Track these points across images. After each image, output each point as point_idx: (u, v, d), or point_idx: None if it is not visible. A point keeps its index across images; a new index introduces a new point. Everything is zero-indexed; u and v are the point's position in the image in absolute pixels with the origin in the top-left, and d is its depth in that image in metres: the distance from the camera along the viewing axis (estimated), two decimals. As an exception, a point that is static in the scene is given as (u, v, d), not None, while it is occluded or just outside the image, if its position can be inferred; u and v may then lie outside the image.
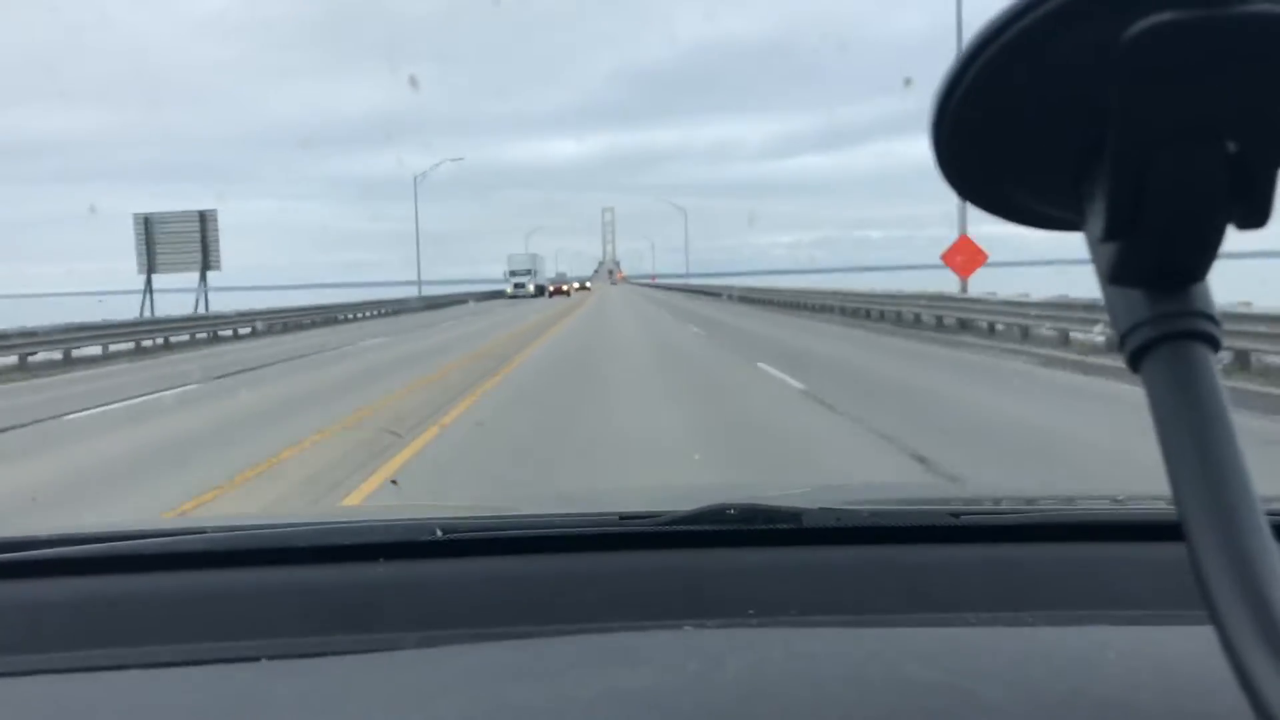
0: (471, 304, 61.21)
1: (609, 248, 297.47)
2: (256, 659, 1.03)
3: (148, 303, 32.32)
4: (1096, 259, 0.47)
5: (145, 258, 32.80)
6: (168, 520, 2.87)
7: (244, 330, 30.98)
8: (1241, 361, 12.19)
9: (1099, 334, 13.69)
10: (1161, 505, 1.34)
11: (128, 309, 30.37)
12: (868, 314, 27.70)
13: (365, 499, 6.61)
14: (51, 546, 1.26)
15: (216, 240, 33.47)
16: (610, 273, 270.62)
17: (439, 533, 1.28)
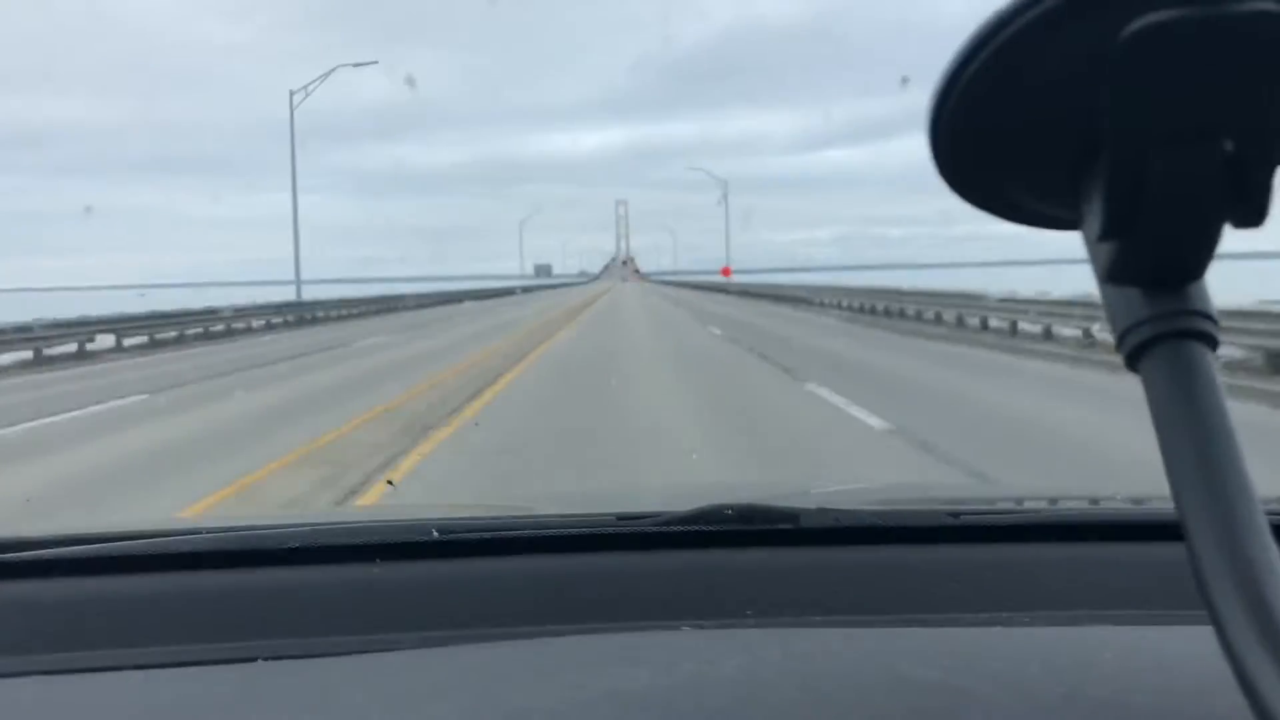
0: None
1: (622, 242, 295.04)
2: (252, 659, 1.03)
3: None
4: (1094, 258, 0.47)
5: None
6: (163, 521, 2.86)
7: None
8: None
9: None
10: (1160, 505, 1.34)
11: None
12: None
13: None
14: (47, 547, 1.26)
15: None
16: (625, 264, 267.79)
17: (435, 533, 1.28)
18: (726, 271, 71.06)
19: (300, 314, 35.19)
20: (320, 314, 36.97)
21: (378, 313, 42.26)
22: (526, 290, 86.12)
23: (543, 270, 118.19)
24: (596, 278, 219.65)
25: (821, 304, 37.99)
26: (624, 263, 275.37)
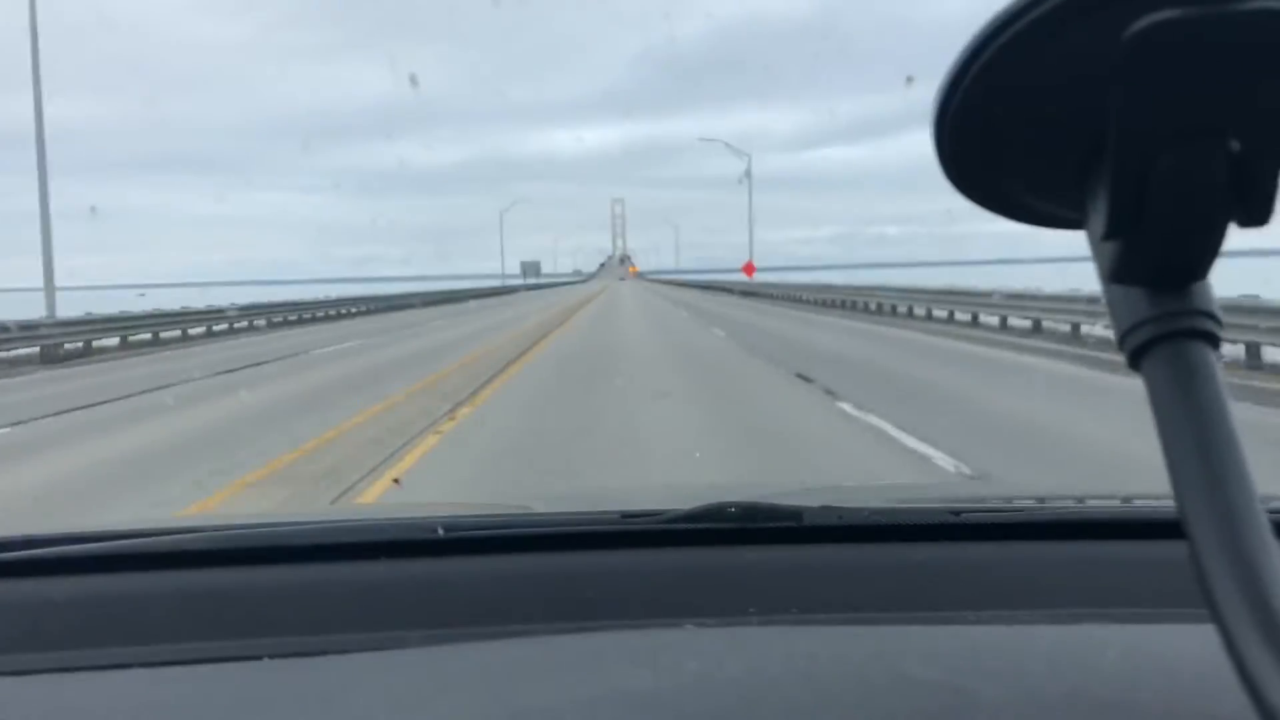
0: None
1: (619, 241, 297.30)
2: (259, 658, 1.03)
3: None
4: (1098, 257, 0.47)
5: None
6: (169, 519, 2.87)
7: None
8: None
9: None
10: (1162, 503, 1.34)
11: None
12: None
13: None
14: (53, 546, 1.26)
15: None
16: (622, 263, 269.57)
17: (441, 531, 1.28)
18: (749, 269, 50.85)
19: (50, 341, 19.61)
20: (86, 339, 21.20)
21: (247, 329, 28.52)
22: (496, 293, 75.63)
23: (530, 269, 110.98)
24: (592, 276, 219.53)
25: (925, 316, 25.27)
26: (621, 261, 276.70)
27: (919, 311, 26.67)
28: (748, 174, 56.69)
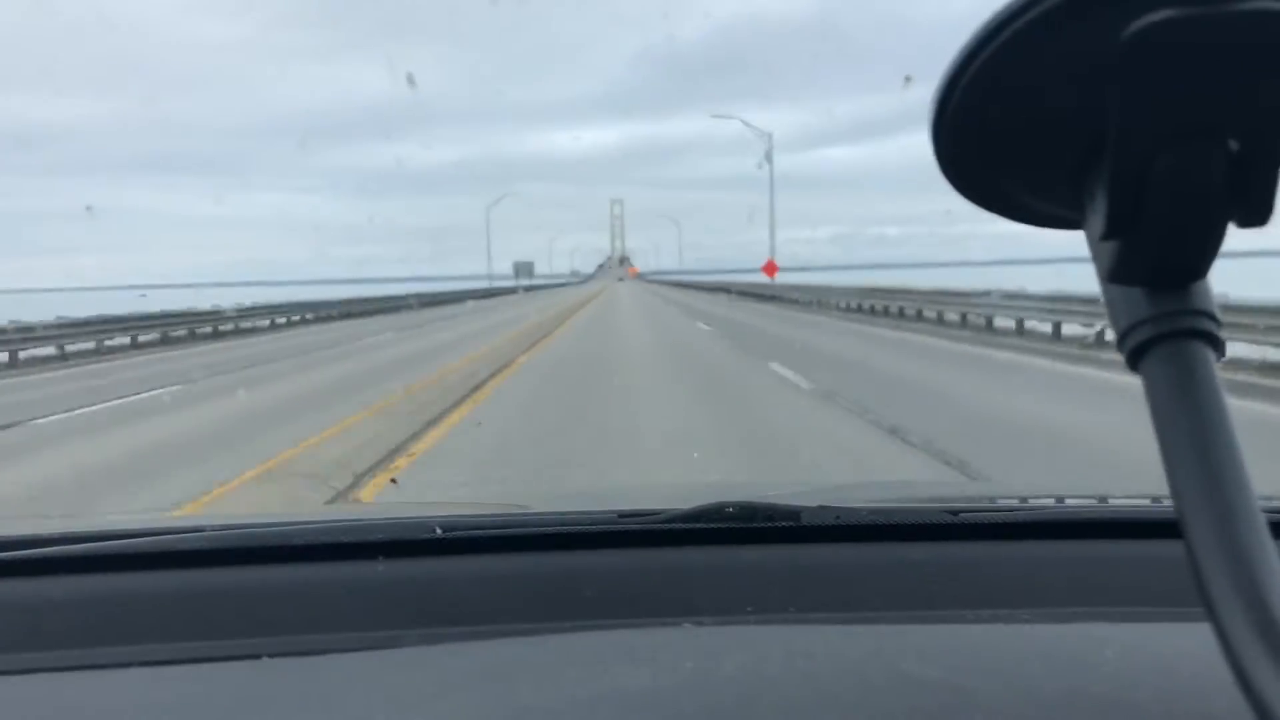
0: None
1: (617, 242, 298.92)
2: (257, 657, 1.03)
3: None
4: (1097, 257, 0.47)
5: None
6: (167, 519, 2.87)
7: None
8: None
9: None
10: (1160, 503, 1.34)
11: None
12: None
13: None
14: (52, 545, 1.26)
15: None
16: (621, 264, 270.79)
17: (438, 531, 1.28)
18: (771, 269, 41.16)
19: None
20: None
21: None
22: (476, 297, 66.68)
23: (523, 269, 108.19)
24: (591, 277, 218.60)
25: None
26: (620, 261, 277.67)
27: (1070, 330, 16.48)
28: (768, 157, 46.45)
